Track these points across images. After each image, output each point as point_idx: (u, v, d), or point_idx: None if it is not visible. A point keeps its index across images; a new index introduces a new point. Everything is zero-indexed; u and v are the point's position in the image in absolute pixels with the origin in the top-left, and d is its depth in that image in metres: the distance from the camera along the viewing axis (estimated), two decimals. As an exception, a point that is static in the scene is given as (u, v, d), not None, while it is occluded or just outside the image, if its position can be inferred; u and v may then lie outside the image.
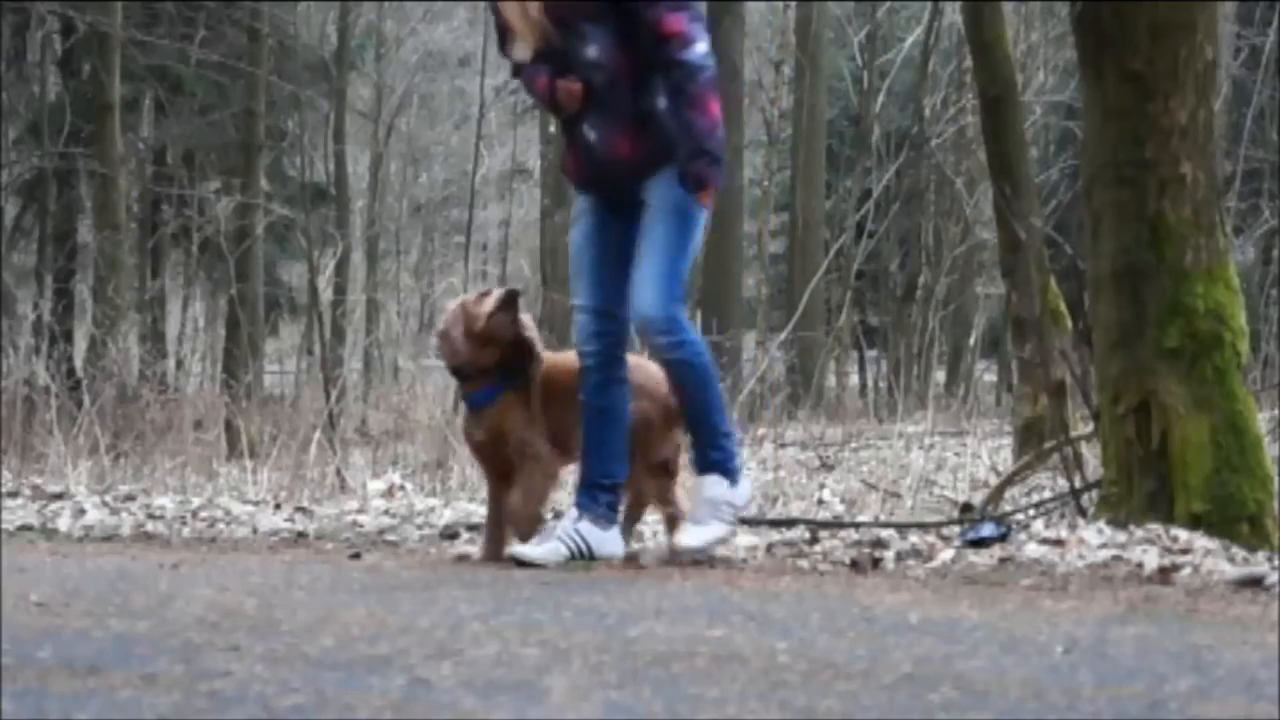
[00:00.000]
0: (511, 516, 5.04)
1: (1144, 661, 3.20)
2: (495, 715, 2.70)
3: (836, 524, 5.78)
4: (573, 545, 4.96)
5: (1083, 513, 5.57)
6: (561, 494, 5.90)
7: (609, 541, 5.02)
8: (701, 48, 4.86)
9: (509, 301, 5.01)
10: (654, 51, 4.86)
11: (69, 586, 4.40)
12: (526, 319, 5.07)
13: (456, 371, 5.11)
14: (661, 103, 4.90)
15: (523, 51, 5.05)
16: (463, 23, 30.94)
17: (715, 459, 5.00)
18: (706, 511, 4.97)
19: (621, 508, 5.13)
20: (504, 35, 5.09)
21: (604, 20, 4.88)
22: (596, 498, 5.03)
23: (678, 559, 4.93)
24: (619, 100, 4.92)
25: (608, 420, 5.02)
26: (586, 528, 4.99)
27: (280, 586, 4.42)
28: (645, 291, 4.90)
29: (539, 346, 5.08)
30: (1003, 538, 5.10)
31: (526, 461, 4.99)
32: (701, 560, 4.93)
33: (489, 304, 5.00)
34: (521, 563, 4.89)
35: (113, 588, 4.37)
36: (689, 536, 4.96)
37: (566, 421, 5.02)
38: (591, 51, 4.90)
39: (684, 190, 4.88)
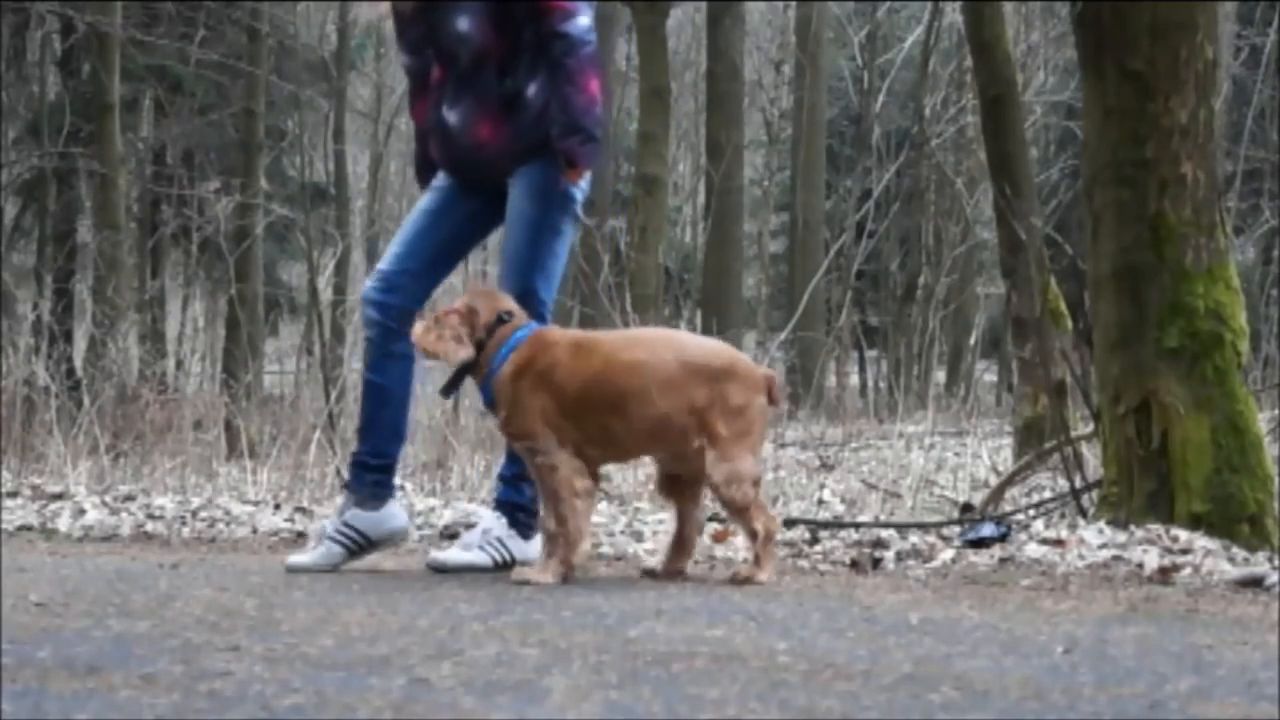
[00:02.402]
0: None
1: (1144, 661, 3.20)
2: (495, 715, 2.70)
3: (836, 524, 5.78)
4: (347, 540, 4.81)
5: (1083, 513, 5.57)
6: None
7: (385, 520, 4.84)
8: (584, 21, 4.66)
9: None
10: (534, 24, 4.67)
11: (69, 586, 4.40)
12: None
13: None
14: (532, 89, 4.70)
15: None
16: (463, 23, 30.85)
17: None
18: (478, 537, 4.82)
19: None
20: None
21: None
22: (362, 478, 4.84)
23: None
24: (484, 82, 4.72)
25: (385, 397, 4.82)
26: (355, 515, 4.83)
27: (280, 586, 4.42)
28: (505, 271, 4.77)
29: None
30: (1003, 538, 5.10)
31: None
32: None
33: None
34: (294, 570, 4.74)
35: (113, 588, 4.37)
36: (445, 553, 4.81)
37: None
38: (462, 24, 4.70)
39: (555, 174, 4.68)
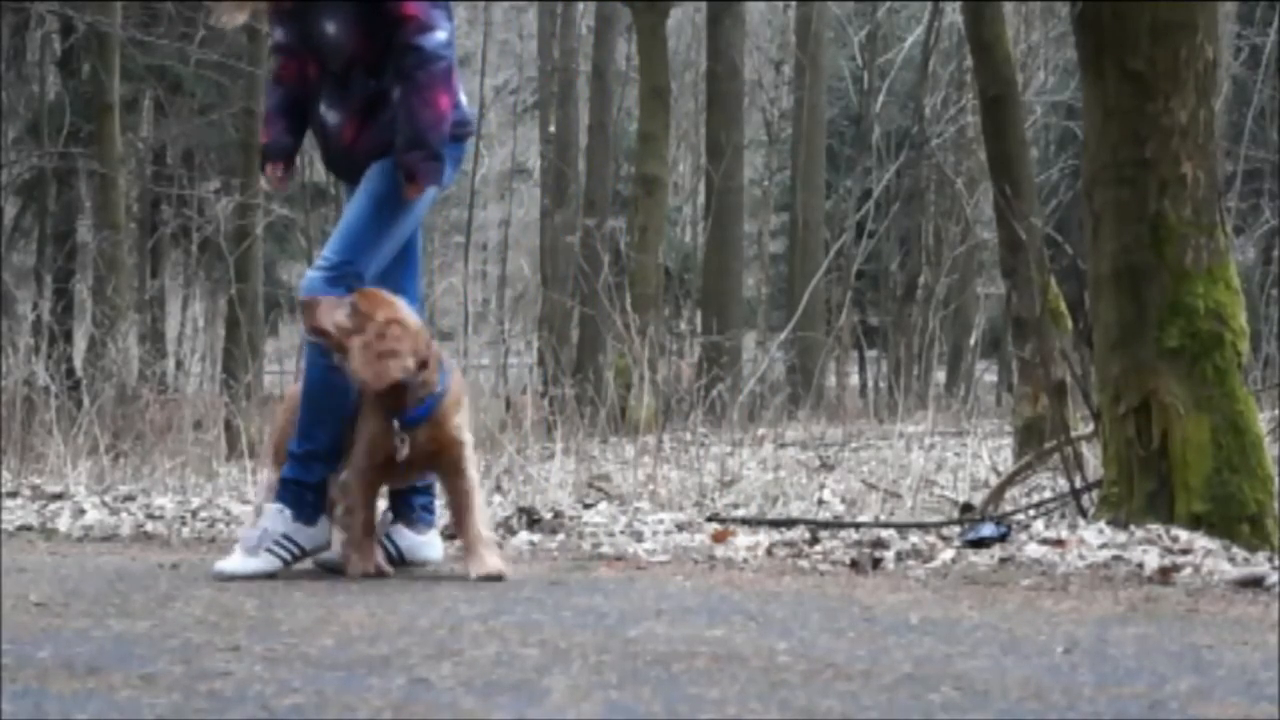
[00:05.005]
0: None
1: (1144, 661, 3.20)
2: (495, 715, 2.70)
3: (836, 524, 5.78)
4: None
5: (1083, 513, 5.57)
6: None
7: (423, 548, 4.89)
8: (440, 36, 4.64)
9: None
10: (392, 34, 4.65)
11: (69, 586, 4.40)
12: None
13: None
14: (397, 91, 4.68)
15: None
16: (462, 22, 30.93)
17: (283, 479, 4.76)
18: (256, 539, 4.70)
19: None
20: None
21: None
22: (410, 501, 4.90)
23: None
24: (355, 83, 4.73)
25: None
26: (398, 530, 4.87)
27: (280, 586, 4.42)
28: (335, 235, 4.71)
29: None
30: (1003, 538, 5.10)
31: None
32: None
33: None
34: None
35: (112, 588, 4.37)
36: (228, 561, 4.68)
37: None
38: (330, 28, 4.70)
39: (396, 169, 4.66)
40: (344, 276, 4.64)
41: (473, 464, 4.67)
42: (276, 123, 4.94)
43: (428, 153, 4.62)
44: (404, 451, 4.58)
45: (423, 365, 4.56)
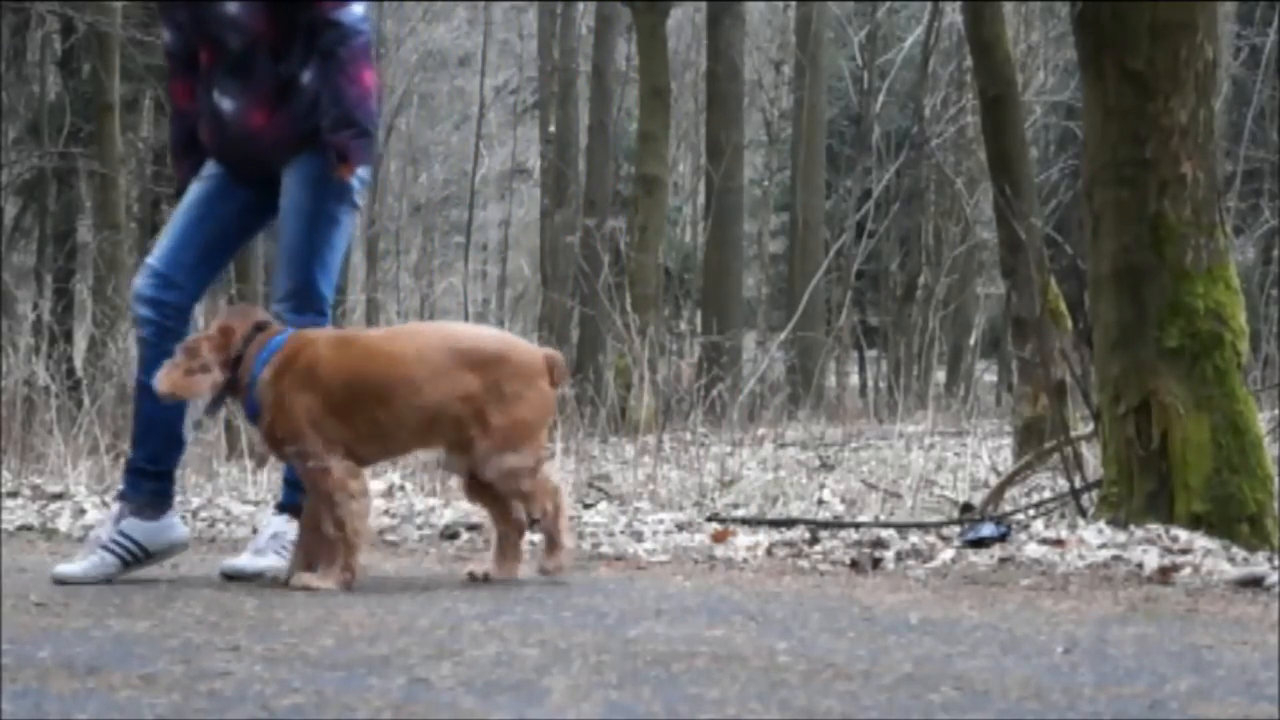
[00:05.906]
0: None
1: (1144, 661, 3.20)
2: (495, 715, 2.70)
3: (836, 524, 5.78)
4: (121, 550, 4.59)
5: (1083, 513, 5.57)
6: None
7: (163, 531, 4.65)
8: (358, 10, 4.46)
9: None
10: (306, 11, 4.48)
11: (69, 586, 4.40)
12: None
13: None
14: (306, 75, 4.52)
15: None
16: (463, 22, 30.94)
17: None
18: (265, 541, 4.70)
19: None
20: None
21: None
22: (139, 486, 4.65)
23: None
24: (258, 67, 4.53)
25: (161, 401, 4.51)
26: (131, 525, 4.60)
27: (280, 586, 4.42)
28: (281, 264, 4.59)
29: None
30: (1003, 538, 5.10)
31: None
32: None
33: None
34: (62, 581, 4.47)
35: (113, 588, 4.38)
36: (237, 559, 4.68)
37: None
38: (232, 7, 4.51)
39: (327, 163, 4.51)
40: (308, 301, 4.57)
41: (316, 480, 4.30)
42: (183, 162, 4.84)
43: (357, 130, 4.47)
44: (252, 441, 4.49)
45: (235, 362, 4.34)
